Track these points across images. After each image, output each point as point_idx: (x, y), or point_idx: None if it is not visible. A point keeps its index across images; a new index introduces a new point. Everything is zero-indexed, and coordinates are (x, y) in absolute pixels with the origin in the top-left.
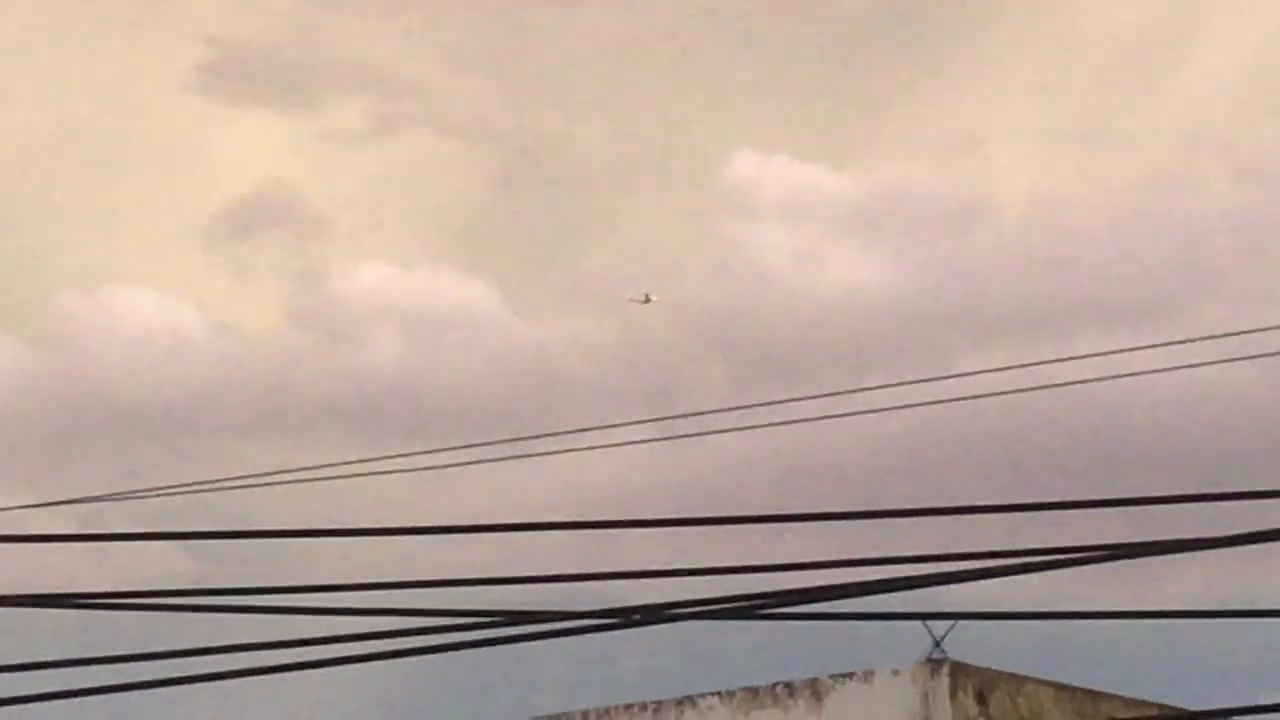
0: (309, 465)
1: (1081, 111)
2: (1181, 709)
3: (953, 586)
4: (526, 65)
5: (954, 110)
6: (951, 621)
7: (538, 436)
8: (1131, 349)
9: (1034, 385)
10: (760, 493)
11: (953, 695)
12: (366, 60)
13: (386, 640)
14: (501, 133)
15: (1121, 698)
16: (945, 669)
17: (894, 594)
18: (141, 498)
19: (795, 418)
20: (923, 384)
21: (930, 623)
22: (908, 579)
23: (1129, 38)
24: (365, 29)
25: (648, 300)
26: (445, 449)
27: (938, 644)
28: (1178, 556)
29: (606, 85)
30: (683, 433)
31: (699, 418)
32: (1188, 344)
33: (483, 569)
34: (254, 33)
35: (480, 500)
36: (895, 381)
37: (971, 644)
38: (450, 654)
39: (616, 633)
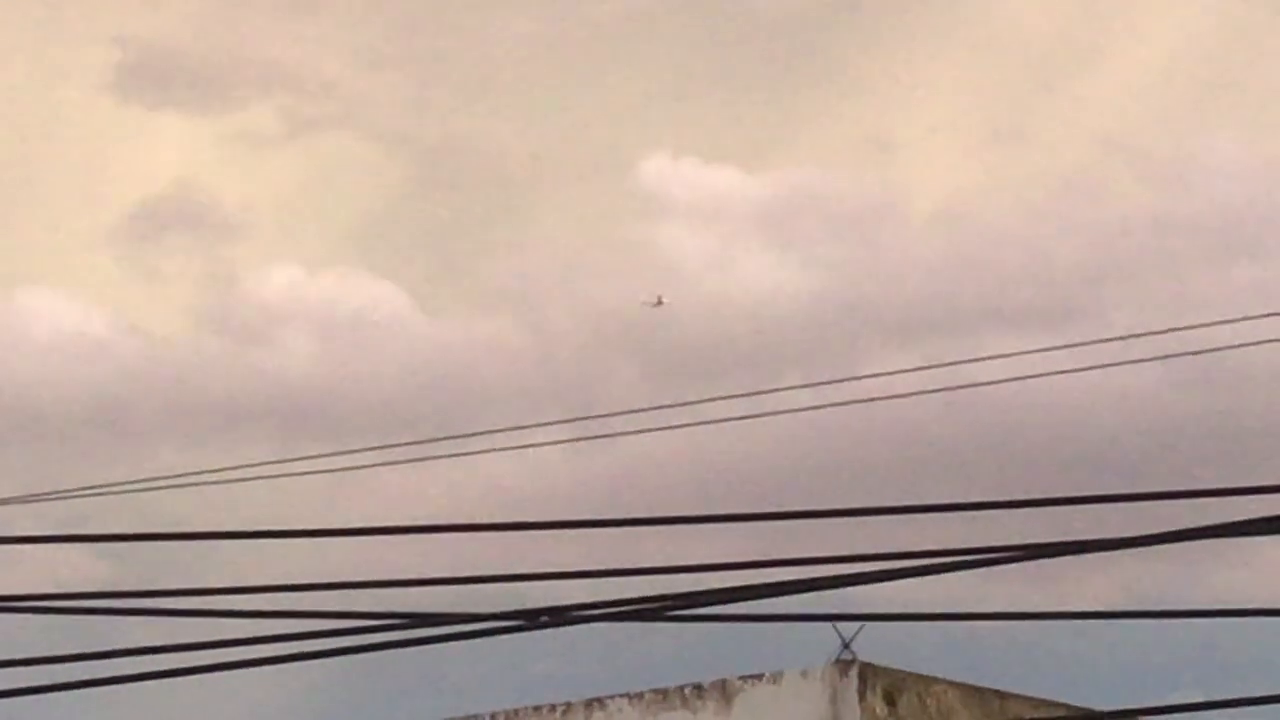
0: (219, 467)
1: (993, 114)
2: (1089, 709)
3: (862, 588)
4: (442, 67)
5: (865, 112)
6: (860, 623)
7: (448, 438)
8: (1040, 350)
9: (944, 386)
10: (671, 494)
11: (861, 696)
12: (281, 62)
13: (295, 643)
14: (416, 134)
15: (1029, 698)
16: (854, 670)
17: (803, 595)
18: (51, 500)
19: (707, 419)
20: (833, 385)
21: (839, 624)
22: (816, 580)
23: (1042, 42)
24: (281, 30)
25: (660, 303)
26: (356, 450)
27: (846, 645)
28: (1086, 557)
29: (522, 87)
30: (594, 434)
31: (610, 419)
32: (1096, 345)
33: (392, 571)
34: (168, 34)
35: (391, 502)
36: (806, 382)
37: (880, 645)
38: (358, 656)
39: (524, 634)
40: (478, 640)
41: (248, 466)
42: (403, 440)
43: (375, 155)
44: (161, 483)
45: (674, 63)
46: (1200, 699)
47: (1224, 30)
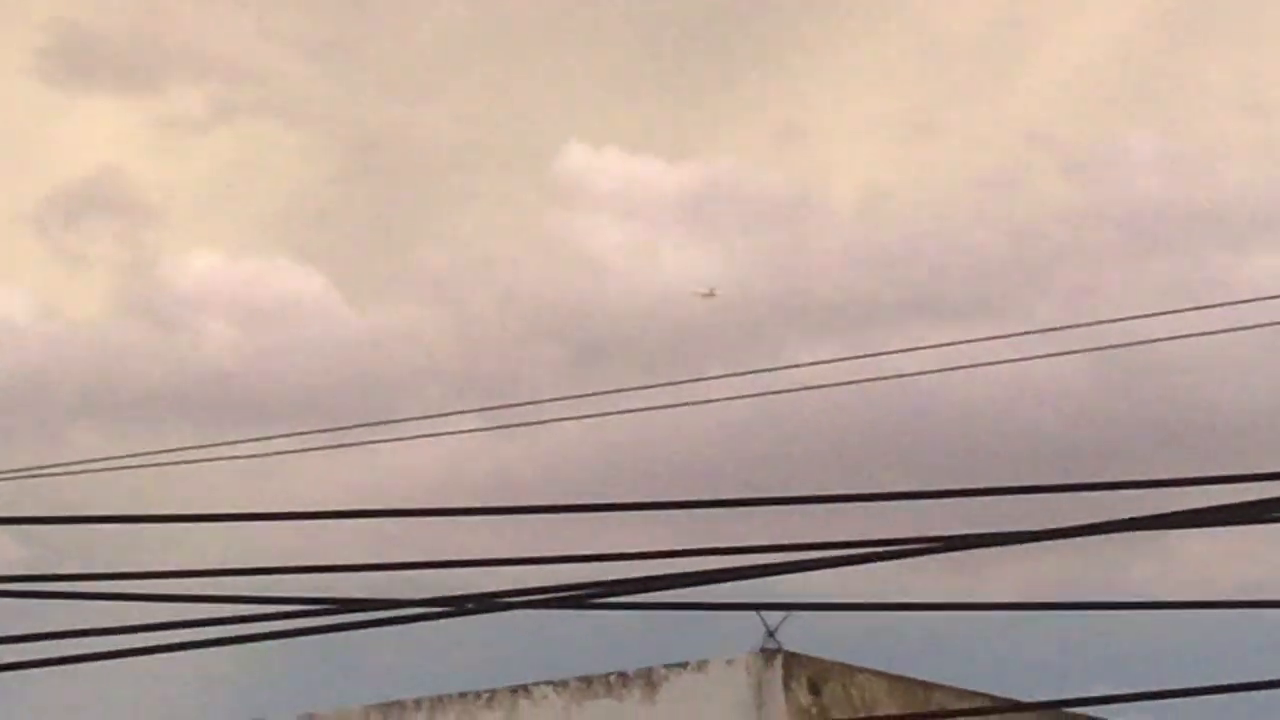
0: (140, 452)
1: (915, 107)
2: (1013, 699)
3: (787, 577)
4: (370, 55)
5: (788, 104)
6: (785, 612)
7: (369, 425)
8: (962, 342)
9: (866, 377)
10: (592, 483)
11: (786, 685)
12: (209, 48)
13: (219, 627)
14: (343, 122)
15: (953, 688)
16: (779, 659)
17: (728, 584)
18: None
19: (627, 408)
20: (755, 375)
21: (764, 613)
22: (741, 569)
23: (966, 36)
24: (209, 16)
25: (711, 294)
26: (277, 436)
27: (771, 634)
28: (1008, 548)
29: (449, 75)
30: (515, 422)
31: (532, 407)
32: (1017, 337)
33: (316, 556)
34: (96, 17)
35: (313, 488)
36: (728, 372)
37: (805, 635)
38: (282, 642)
39: (451, 621)
40: (404, 626)
41: (169, 451)
42: (324, 427)
43: (301, 142)
44: (80, 467)
45: (598, 53)
46: (1121, 690)
47: (1144, 29)
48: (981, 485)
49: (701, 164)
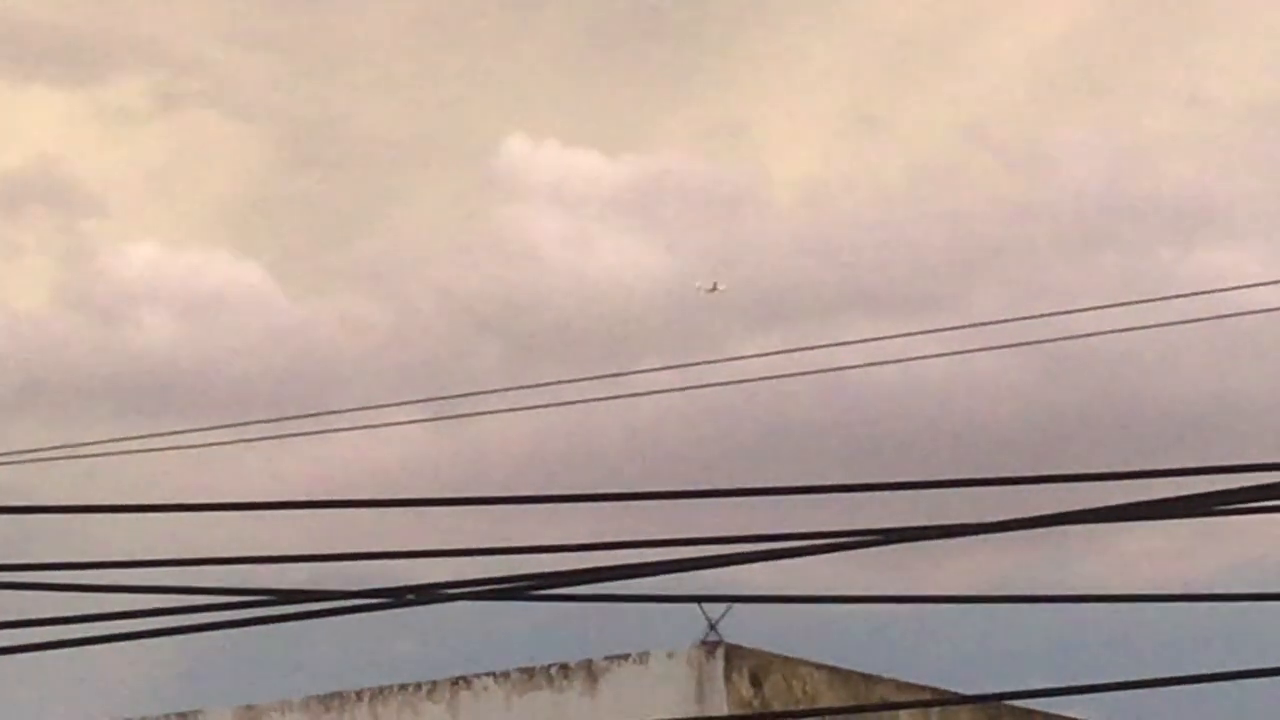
0: (79, 443)
1: (856, 100)
2: (955, 693)
3: (729, 569)
4: (314, 46)
5: (727, 96)
6: (727, 605)
7: (307, 416)
8: (901, 335)
9: (805, 370)
10: (533, 474)
11: (727, 678)
12: (151, 37)
13: (157, 618)
14: (286, 113)
15: (895, 681)
16: (720, 652)
17: (669, 576)
18: None
19: (567, 399)
20: (694, 367)
21: (706, 605)
22: (682, 561)
23: (908, 30)
24: (151, 6)
25: (715, 289)
26: (216, 427)
27: (713, 626)
28: (949, 541)
29: (392, 67)
30: (455, 413)
31: (472, 398)
32: (957, 331)
33: (256, 547)
34: (36, 6)
35: (252, 479)
36: (667, 365)
37: (747, 627)
38: (219, 633)
39: (391, 612)
40: (345, 617)
41: (108, 442)
42: (263, 418)
43: (242, 133)
44: (15, 457)
45: (539, 45)
46: (1062, 684)
47: (1087, 24)
48: (922, 479)
49: (642, 157)
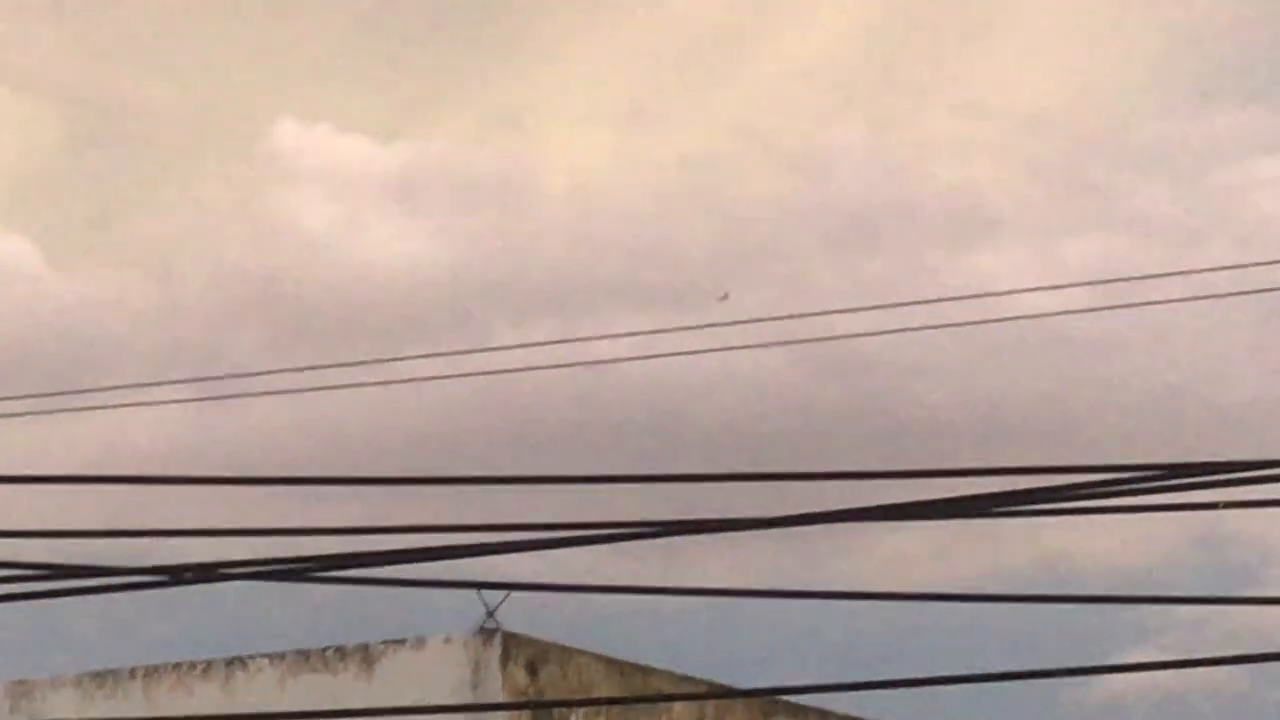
0: None
1: (634, 95)
2: (728, 686)
3: (507, 557)
4: (98, 24)
5: (505, 88)
6: (505, 592)
7: (70, 393)
8: (666, 330)
9: (572, 362)
10: (303, 457)
11: (503, 665)
12: None
13: None
14: (69, 90)
15: (671, 673)
16: (497, 639)
17: (448, 562)
18: None
19: (335, 383)
20: (461, 355)
21: (484, 592)
22: (461, 547)
23: (686, 26)
24: None
25: (725, 297)
26: None
27: (490, 614)
28: (722, 536)
29: (175, 47)
30: (221, 394)
31: (237, 380)
32: (723, 327)
33: (30, 522)
34: None
35: (16, 455)
36: (433, 352)
37: (525, 616)
38: None
39: (168, 591)
40: (121, 595)
41: None
42: (28, 393)
43: (24, 110)
44: None
45: (315, 29)
46: (829, 681)
47: (868, 28)
48: (694, 472)
49: (414, 145)
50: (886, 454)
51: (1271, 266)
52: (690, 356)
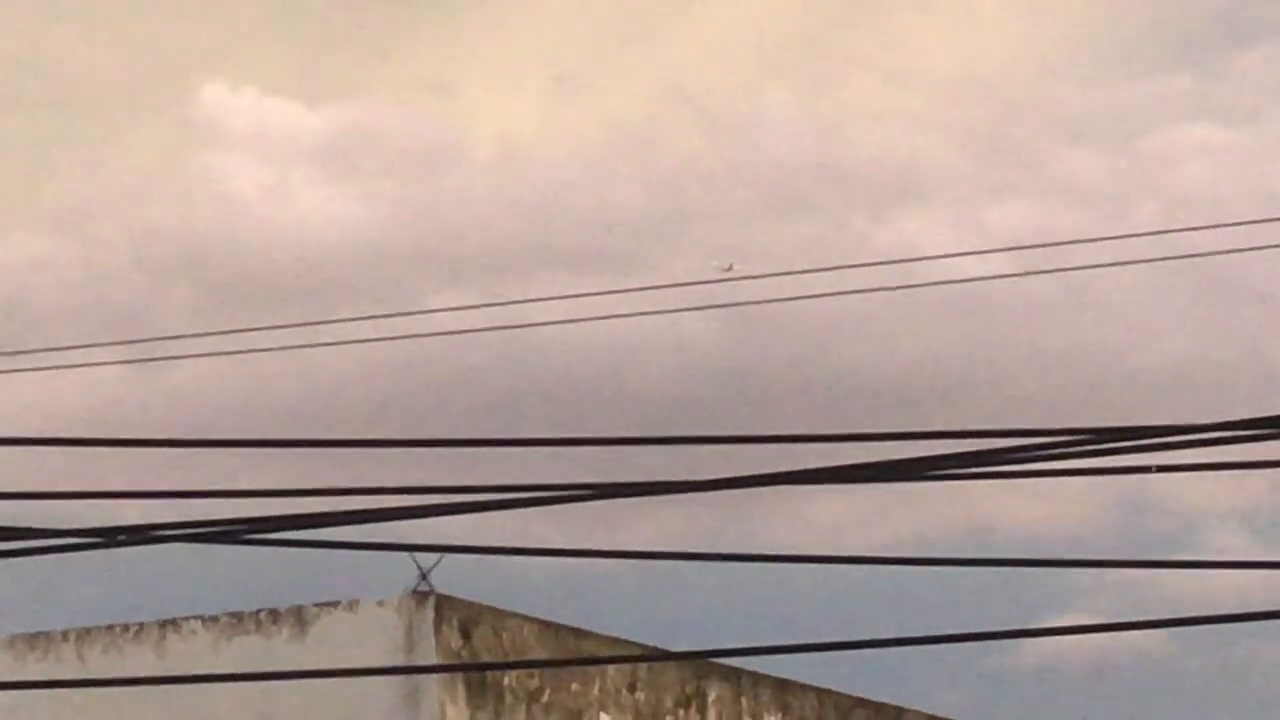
0: None
1: (563, 60)
2: (661, 649)
3: (441, 519)
4: None
5: (434, 53)
6: (439, 555)
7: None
8: (595, 294)
9: (500, 325)
10: (232, 419)
11: (437, 628)
12: None
13: None
14: None
15: (604, 636)
16: (430, 602)
17: (381, 524)
18: None
19: (261, 347)
20: (389, 319)
21: (417, 555)
22: (394, 510)
23: None
24: None
25: (730, 269)
26: None
27: (424, 576)
28: (654, 499)
29: (102, 8)
30: (149, 356)
31: (166, 343)
32: (652, 291)
33: None
34: None
35: None
36: (362, 315)
37: (459, 579)
38: None
39: (100, 552)
40: (53, 556)
41: None
42: None
43: None
44: None
45: None
46: (759, 644)
47: None
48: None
49: (342, 109)
50: (815, 417)
51: (1196, 232)
52: (620, 320)
